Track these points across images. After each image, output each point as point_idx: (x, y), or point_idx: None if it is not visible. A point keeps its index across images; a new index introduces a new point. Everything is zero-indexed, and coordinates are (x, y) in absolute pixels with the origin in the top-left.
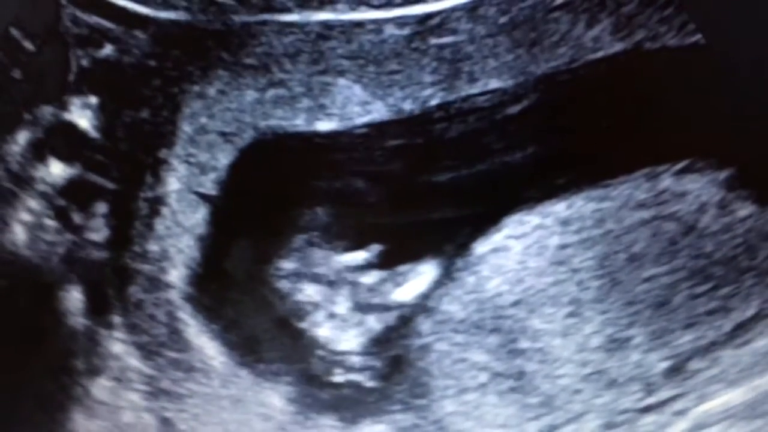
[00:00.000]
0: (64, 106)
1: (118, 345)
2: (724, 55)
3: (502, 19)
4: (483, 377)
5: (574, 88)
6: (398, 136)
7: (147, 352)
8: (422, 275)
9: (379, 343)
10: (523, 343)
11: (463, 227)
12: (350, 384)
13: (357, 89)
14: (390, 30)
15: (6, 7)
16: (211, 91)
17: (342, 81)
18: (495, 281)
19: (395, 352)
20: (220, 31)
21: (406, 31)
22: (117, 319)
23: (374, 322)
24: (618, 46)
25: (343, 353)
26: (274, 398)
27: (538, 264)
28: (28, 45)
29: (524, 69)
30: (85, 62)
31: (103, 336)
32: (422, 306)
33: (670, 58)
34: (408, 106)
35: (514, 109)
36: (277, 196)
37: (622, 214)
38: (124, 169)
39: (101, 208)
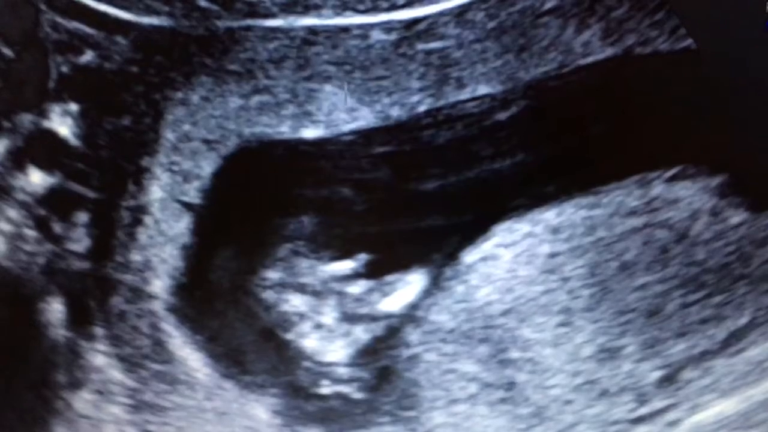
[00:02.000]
0: (43, 114)
1: (100, 357)
2: (715, 60)
3: (491, 24)
4: (473, 388)
5: (563, 94)
6: (385, 143)
7: (130, 364)
8: (410, 285)
9: (366, 354)
10: (514, 353)
11: (452, 236)
12: (337, 396)
13: (343, 95)
14: (376, 35)
15: None
16: (195, 97)
17: (328, 87)
18: (484, 290)
19: (383, 363)
20: (203, 36)
21: (392, 36)
22: (99, 331)
23: (361, 333)
24: (608, 52)
25: (329, 364)
26: (260, 410)
27: (528, 272)
28: (7, 51)
29: (513, 75)
30: (65, 69)
31: (84, 348)
32: (410, 316)
33: (661, 63)
34: (395, 112)
35: (502, 116)
36: (262, 204)
37: (613, 221)
38: (106, 178)
39: (82, 217)
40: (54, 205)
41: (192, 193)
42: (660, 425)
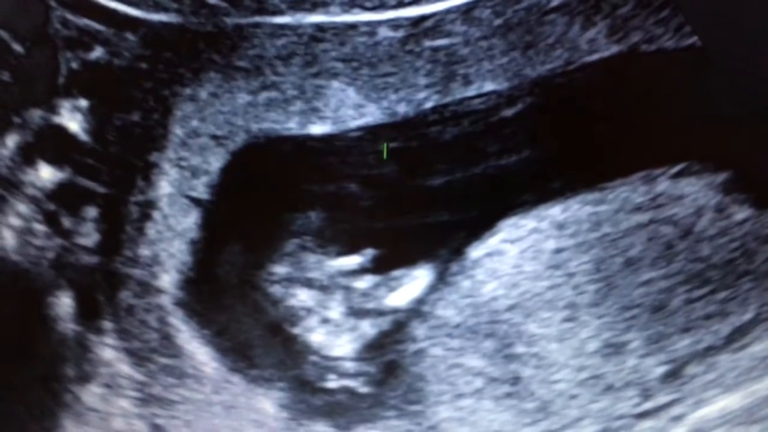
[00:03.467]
0: (53, 109)
1: (108, 351)
2: (720, 57)
3: (497, 22)
4: (478, 382)
5: (569, 91)
6: (392, 139)
7: (138, 358)
8: (417, 280)
9: (373, 349)
10: (519, 348)
11: (458, 231)
12: (344, 390)
13: (351, 92)
14: (384, 32)
15: None
16: (203, 93)
17: (335, 84)
18: (490, 285)
19: (389, 357)
20: (211, 33)
21: (400, 33)
22: (107, 325)
23: (368, 327)
24: (614, 49)
25: (336, 359)
26: (267, 404)
27: (534, 268)
28: (17, 47)
29: (519, 72)
30: (74, 65)
31: (93, 342)
32: (417, 311)
33: (666, 61)
34: (402, 109)
35: (509, 112)
36: (269, 200)
37: (618, 217)
38: (115, 173)
39: (91, 212)
40: (63, 200)
41: (200, 189)
42: (664, 420)
